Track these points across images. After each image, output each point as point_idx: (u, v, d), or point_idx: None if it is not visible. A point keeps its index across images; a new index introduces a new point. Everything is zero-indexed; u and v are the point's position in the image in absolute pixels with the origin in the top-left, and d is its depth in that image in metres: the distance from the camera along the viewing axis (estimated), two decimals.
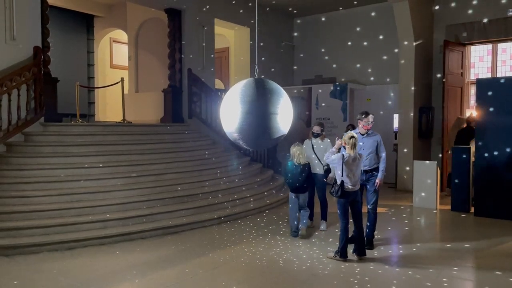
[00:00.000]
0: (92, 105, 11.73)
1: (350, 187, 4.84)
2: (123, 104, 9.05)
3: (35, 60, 7.04)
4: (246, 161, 9.14)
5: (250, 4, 10.28)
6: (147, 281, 4.34)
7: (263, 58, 10.33)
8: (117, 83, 9.18)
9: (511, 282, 4.27)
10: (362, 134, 5.40)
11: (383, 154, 5.41)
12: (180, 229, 6.16)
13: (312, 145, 6.24)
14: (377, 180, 5.34)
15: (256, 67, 3.63)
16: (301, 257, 5.05)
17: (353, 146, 4.83)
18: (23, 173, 6.13)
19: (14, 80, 6.64)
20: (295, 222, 5.96)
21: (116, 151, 7.22)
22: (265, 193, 8.14)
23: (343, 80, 11.20)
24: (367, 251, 5.05)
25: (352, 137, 4.86)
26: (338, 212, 4.96)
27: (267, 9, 11.02)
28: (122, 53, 12.03)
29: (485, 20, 9.16)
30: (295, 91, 11.56)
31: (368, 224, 5.40)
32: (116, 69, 12.01)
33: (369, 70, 10.91)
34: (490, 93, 7.03)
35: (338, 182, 4.85)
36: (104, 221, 5.77)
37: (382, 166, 5.40)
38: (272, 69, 10.74)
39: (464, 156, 7.46)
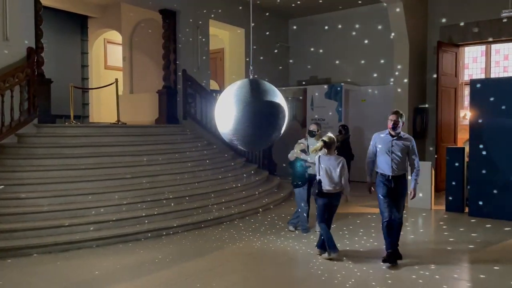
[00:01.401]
0: (86, 106, 11.67)
1: (327, 188, 4.95)
2: (118, 105, 9.02)
3: (28, 61, 6.99)
4: (241, 162, 9.13)
5: (245, 5, 10.28)
6: (142, 283, 4.31)
7: (258, 59, 10.34)
8: (111, 84, 9.14)
9: (506, 281, 4.29)
10: (392, 136, 4.86)
11: (415, 161, 4.92)
12: (175, 231, 6.14)
13: (308, 145, 6.25)
14: (410, 190, 4.95)
15: (251, 67, 3.62)
16: (297, 257, 5.05)
17: (323, 147, 4.98)
18: (16, 175, 6.08)
19: (7, 81, 6.59)
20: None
21: (110, 153, 7.18)
22: (261, 194, 8.14)
23: (337, 80, 11.21)
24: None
25: (323, 139, 5.05)
26: (316, 212, 5.11)
27: (262, 10, 11.02)
28: (116, 54, 11.98)
29: (478, 21, 9.22)
30: (290, 92, 11.57)
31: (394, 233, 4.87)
32: (111, 70, 11.96)
33: (364, 71, 10.94)
34: (483, 94, 7.07)
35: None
36: (98, 223, 5.73)
37: (413, 175, 4.95)
38: (267, 70, 10.74)
39: (458, 156, 7.49)
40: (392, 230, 4.80)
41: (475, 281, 4.44)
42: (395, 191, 4.84)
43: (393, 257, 4.74)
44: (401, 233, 4.96)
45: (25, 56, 7.00)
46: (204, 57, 10.18)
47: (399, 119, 4.79)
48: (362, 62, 10.90)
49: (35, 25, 7.26)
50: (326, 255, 4.99)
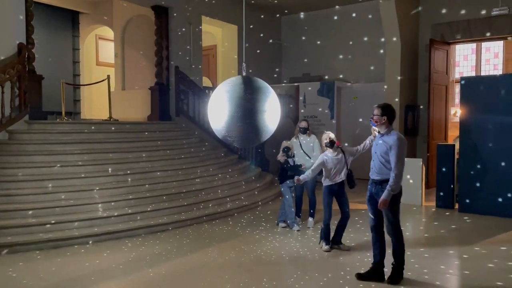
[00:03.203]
0: (78, 103, 11.59)
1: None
2: (110, 101, 8.97)
3: (19, 57, 6.93)
4: (234, 159, 9.14)
5: (238, 2, 10.26)
6: (134, 280, 4.32)
7: (250, 56, 10.33)
8: (103, 80, 9.08)
9: (493, 276, 4.36)
10: (382, 134, 4.25)
11: (393, 165, 4.05)
12: (167, 227, 6.14)
13: (300, 143, 6.28)
14: (380, 199, 4.12)
15: (244, 64, 3.63)
16: (289, 253, 5.08)
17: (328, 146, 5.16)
18: (7, 172, 6.03)
19: None
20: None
21: (102, 149, 7.15)
22: (254, 191, 8.16)
23: (330, 78, 11.25)
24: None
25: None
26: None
27: (255, 7, 11.01)
28: (108, 50, 11.91)
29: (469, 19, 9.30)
30: (282, 89, 11.57)
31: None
32: (102, 66, 11.89)
33: (356, 68, 10.99)
34: (474, 91, 7.14)
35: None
36: (90, 220, 5.72)
37: (390, 181, 4.06)
38: (259, 67, 10.74)
39: (448, 153, 7.57)
40: (376, 237, 4.34)
41: (465, 276, 4.50)
42: (378, 198, 4.20)
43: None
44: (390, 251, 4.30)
45: (16, 52, 6.94)
46: (196, 54, 10.15)
47: (377, 115, 4.16)
48: (355, 59, 10.94)
49: (26, 21, 7.20)
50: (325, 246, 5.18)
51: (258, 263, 4.77)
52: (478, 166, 7.02)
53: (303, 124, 6.35)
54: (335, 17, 11.35)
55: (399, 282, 4.17)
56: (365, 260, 4.80)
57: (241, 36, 10.98)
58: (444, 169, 7.55)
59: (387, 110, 4.17)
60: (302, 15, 12.01)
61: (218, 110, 3.27)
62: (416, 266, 4.61)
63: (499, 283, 4.19)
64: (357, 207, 7.33)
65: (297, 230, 6.09)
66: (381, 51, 9.90)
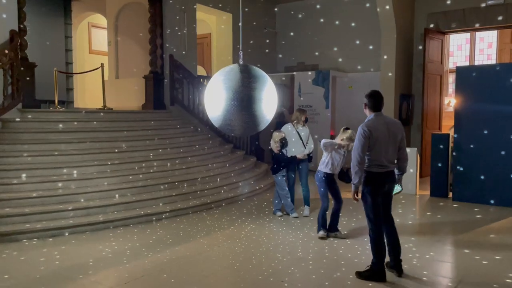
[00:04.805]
0: (71, 91, 11.46)
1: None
2: (103, 90, 8.89)
3: (11, 45, 6.84)
4: (229, 148, 9.14)
5: None
6: (131, 268, 4.32)
7: (245, 45, 10.26)
8: (97, 68, 8.99)
9: (489, 265, 4.42)
10: None
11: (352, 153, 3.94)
12: (163, 216, 6.15)
13: (298, 132, 6.30)
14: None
15: (241, 52, 3.61)
16: (285, 242, 5.11)
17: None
18: (1, 160, 5.98)
19: None
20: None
21: (97, 138, 7.11)
22: (249, 180, 8.18)
23: (325, 67, 11.23)
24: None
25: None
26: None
27: None
28: (101, 38, 11.77)
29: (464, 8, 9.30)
30: (278, 78, 11.54)
31: None
32: (95, 54, 11.76)
33: (351, 57, 10.97)
34: (469, 81, 7.17)
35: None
36: (86, 209, 5.72)
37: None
38: (254, 56, 10.68)
39: (443, 142, 7.62)
40: None
41: (458, 264, 4.56)
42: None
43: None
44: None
45: (8, 39, 6.84)
46: (191, 42, 10.07)
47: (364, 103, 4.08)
48: (350, 48, 10.92)
49: (18, 7, 7.09)
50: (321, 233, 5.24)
51: (255, 252, 4.79)
52: (472, 156, 7.07)
53: (307, 114, 6.51)
54: (331, 6, 11.28)
55: (367, 279, 3.92)
56: (362, 247, 4.84)
57: (236, 24, 10.89)
58: (438, 158, 7.60)
59: (367, 98, 4.03)
60: (297, 3, 11.92)
61: (216, 99, 3.26)
62: (409, 255, 4.66)
63: (496, 276, 4.25)
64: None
65: (295, 217, 6.17)
66: (377, 39, 9.87)
